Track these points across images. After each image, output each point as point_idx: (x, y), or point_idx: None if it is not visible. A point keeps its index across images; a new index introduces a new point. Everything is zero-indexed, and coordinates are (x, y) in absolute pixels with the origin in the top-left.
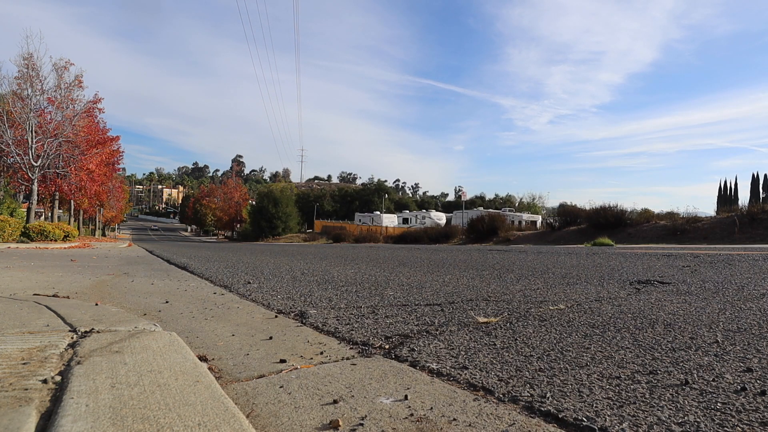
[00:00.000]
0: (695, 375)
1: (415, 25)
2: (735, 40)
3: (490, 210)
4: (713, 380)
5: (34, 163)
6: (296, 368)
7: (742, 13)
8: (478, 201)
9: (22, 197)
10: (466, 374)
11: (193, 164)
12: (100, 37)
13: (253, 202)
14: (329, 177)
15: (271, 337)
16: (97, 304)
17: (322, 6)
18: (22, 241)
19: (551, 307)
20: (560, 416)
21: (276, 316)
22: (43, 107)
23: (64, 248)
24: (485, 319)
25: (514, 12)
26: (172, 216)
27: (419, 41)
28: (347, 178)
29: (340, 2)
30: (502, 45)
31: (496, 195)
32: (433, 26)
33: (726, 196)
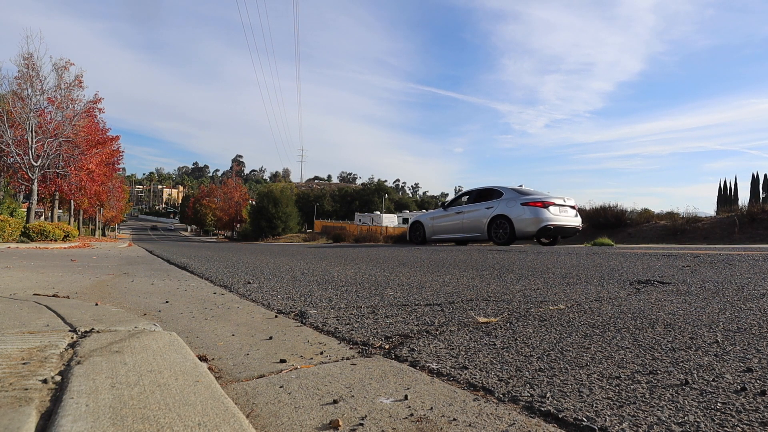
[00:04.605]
0: (695, 375)
1: (418, 41)
2: (715, 52)
3: None
4: (713, 380)
5: (34, 163)
6: (296, 368)
7: (718, 29)
8: None
9: (22, 197)
10: (466, 374)
11: (193, 164)
12: (117, 48)
13: (253, 202)
14: (329, 177)
15: (271, 337)
16: (97, 304)
17: (331, 23)
18: (22, 241)
19: (551, 307)
20: (560, 416)
21: (276, 316)
22: (43, 107)
23: (64, 248)
24: (485, 319)
25: (508, 28)
26: (172, 216)
27: (423, 53)
28: (347, 178)
29: (348, 20)
30: (497, 57)
31: None
32: (435, 42)
33: (726, 196)
